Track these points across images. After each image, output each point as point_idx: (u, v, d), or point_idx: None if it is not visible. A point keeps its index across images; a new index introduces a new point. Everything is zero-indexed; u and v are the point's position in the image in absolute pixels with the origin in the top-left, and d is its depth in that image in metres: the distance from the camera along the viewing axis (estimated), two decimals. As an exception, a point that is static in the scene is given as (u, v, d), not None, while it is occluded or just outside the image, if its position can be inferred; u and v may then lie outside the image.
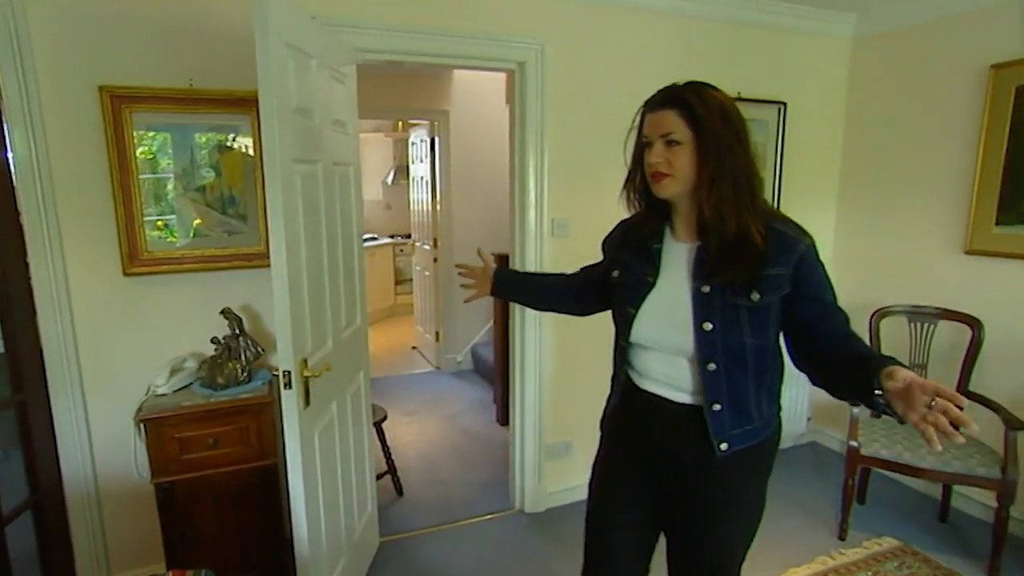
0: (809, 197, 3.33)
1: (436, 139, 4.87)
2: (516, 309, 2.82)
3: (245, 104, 2.15)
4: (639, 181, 1.32)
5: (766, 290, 1.20)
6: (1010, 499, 2.31)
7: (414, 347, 5.82)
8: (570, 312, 1.73)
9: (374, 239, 6.87)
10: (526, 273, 1.76)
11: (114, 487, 2.19)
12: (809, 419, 3.51)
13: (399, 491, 3.10)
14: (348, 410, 2.23)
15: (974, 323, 2.67)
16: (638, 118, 1.30)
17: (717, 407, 1.26)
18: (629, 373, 1.41)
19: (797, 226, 1.25)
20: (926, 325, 2.83)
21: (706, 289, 1.24)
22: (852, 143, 3.32)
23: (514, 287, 1.78)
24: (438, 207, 4.94)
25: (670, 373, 1.31)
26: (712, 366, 1.24)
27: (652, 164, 1.24)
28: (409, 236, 6.19)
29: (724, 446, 1.27)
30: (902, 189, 3.07)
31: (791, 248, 1.21)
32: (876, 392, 1.01)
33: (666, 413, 1.33)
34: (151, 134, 2.11)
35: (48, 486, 2.08)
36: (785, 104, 3.12)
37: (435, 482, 3.25)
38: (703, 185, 1.21)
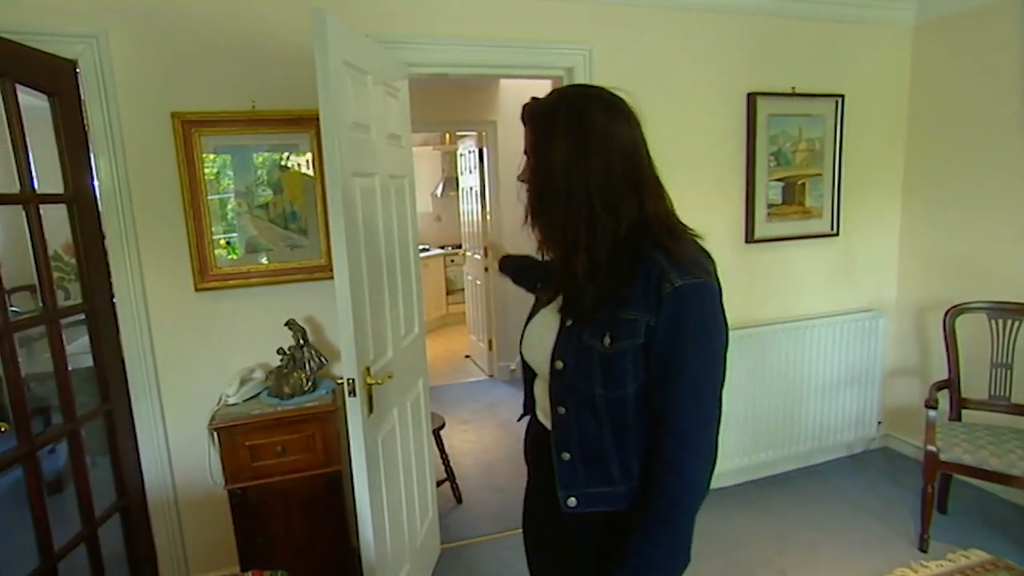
0: (872, 190, 3.20)
1: (484, 149, 4.92)
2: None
3: (304, 123, 2.24)
4: None
5: (619, 335, 0.98)
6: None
7: (467, 356, 5.87)
8: None
9: (425, 250, 6.99)
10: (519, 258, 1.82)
11: (190, 492, 2.30)
12: (879, 423, 3.34)
13: (458, 498, 3.13)
14: (408, 417, 2.27)
15: (1064, 318, 2.50)
16: None
17: (566, 456, 1.08)
18: (535, 396, 1.24)
19: (689, 260, 0.97)
20: (1010, 322, 2.66)
21: (569, 323, 1.05)
22: (917, 132, 3.17)
23: (512, 264, 1.82)
24: (488, 217, 4.99)
25: (547, 404, 1.13)
26: (562, 410, 1.07)
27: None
28: (459, 246, 6.27)
29: (572, 501, 1.08)
30: (974, 178, 2.90)
31: (654, 287, 0.95)
32: None
33: (544, 448, 1.14)
34: (212, 156, 2.22)
35: (133, 490, 2.20)
36: (843, 96, 3.01)
37: (493, 489, 3.26)
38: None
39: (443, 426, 3.02)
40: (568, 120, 0.99)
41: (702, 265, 0.99)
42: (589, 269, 1.00)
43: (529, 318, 1.20)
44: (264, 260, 2.32)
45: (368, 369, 1.84)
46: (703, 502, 1.00)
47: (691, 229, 1.06)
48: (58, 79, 1.96)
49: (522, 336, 1.19)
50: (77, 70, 2.02)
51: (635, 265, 0.97)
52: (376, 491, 1.90)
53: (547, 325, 1.11)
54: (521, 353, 1.20)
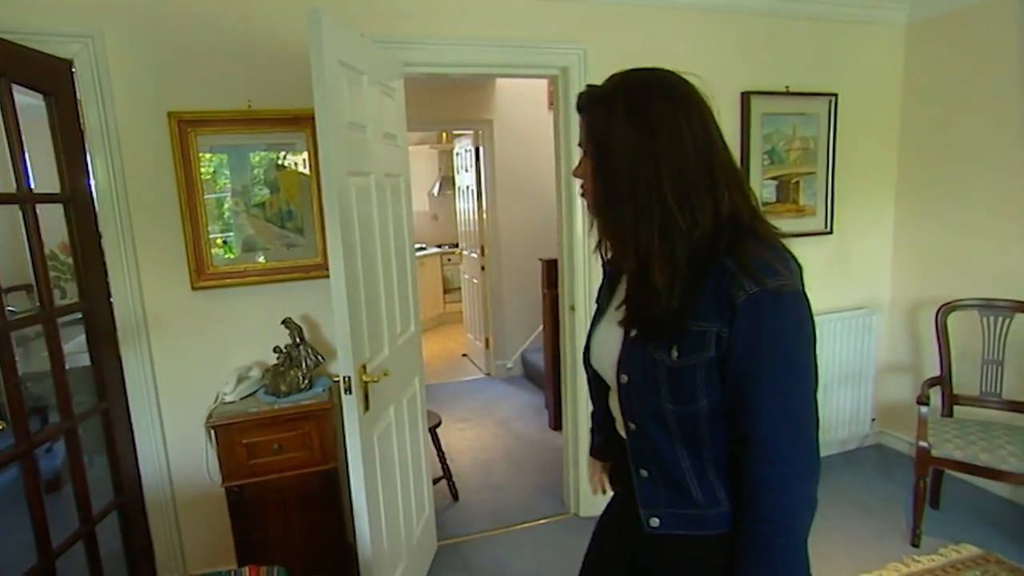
0: (865, 189, 3.22)
1: (480, 148, 4.94)
2: (565, 314, 2.83)
3: (299, 122, 2.25)
4: None
5: (686, 348, 0.91)
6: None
7: (464, 354, 5.88)
8: None
9: (422, 249, 7.00)
10: (594, 432, 1.48)
11: (187, 490, 2.31)
12: (873, 420, 3.37)
13: (455, 496, 3.14)
14: (405, 415, 2.28)
15: (1054, 315, 2.52)
16: None
17: (644, 473, 1.02)
18: (610, 410, 1.16)
19: (762, 264, 0.88)
20: (1001, 320, 2.68)
21: (633, 333, 1.00)
22: (910, 131, 3.19)
23: (604, 443, 1.42)
24: (484, 215, 5.00)
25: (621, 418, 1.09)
26: (632, 425, 1.02)
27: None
28: (456, 245, 6.28)
29: (655, 521, 1.02)
30: (967, 176, 2.92)
31: (725, 295, 0.88)
32: None
33: (625, 464, 1.09)
34: (209, 156, 2.23)
35: (130, 488, 2.21)
36: (836, 95, 3.03)
37: (490, 487, 3.28)
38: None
39: (439, 424, 3.03)
40: (628, 109, 0.91)
41: (777, 269, 0.88)
42: (670, 279, 0.91)
43: (592, 327, 1.14)
44: (261, 259, 2.33)
45: (364, 367, 1.85)
46: (813, 516, 0.91)
47: (776, 229, 0.97)
48: (54, 79, 1.97)
49: (588, 346, 1.13)
50: (73, 70, 2.02)
51: (704, 272, 0.90)
52: (372, 488, 1.91)
53: (610, 335, 1.05)
54: (590, 364, 1.14)
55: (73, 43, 2.01)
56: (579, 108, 0.99)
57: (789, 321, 0.89)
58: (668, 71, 0.97)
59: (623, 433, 1.08)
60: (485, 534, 2.80)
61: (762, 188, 2.97)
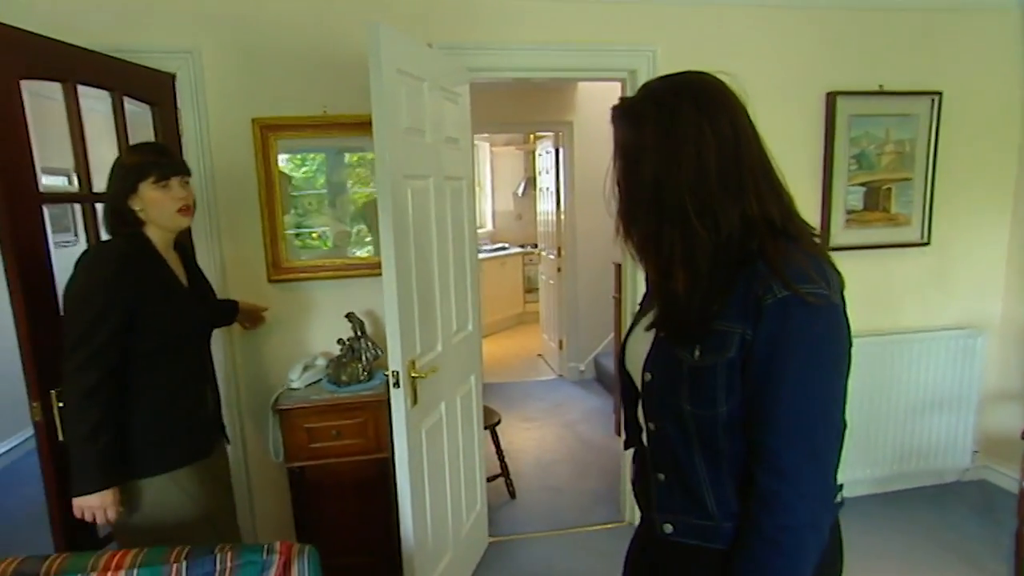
0: (973, 196, 2.91)
1: (560, 150, 4.94)
2: (627, 319, 2.78)
3: (368, 126, 2.28)
4: None
5: (708, 347, 0.90)
6: None
7: (539, 355, 5.92)
8: None
9: (504, 248, 7.11)
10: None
11: (258, 467, 2.51)
12: (975, 452, 3.03)
13: (512, 494, 3.18)
14: (458, 412, 2.34)
15: None
16: None
17: (661, 476, 1.02)
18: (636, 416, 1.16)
19: (796, 269, 0.85)
20: None
21: (662, 335, 1.00)
22: (1034, 133, 2.84)
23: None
24: (562, 217, 5.01)
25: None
26: (651, 426, 1.02)
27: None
28: (537, 245, 6.33)
29: (668, 527, 1.01)
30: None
31: (753, 298, 0.86)
32: None
33: (644, 468, 1.11)
34: (287, 157, 2.41)
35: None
36: (940, 94, 2.75)
37: (548, 488, 3.29)
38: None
39: (498, 422, 3.07)
40: (656, 120, 0.91)
41: (812, 276, 0.85)
42: (690, 285, 0.92)
43: (630, 330, 1.14)
44: (329, 255, 2.49)
45: (413, 363, 1.93)
46: (820, 547, 0.88)
47: (813, 230, 0.95)
48: (159, 91, 2.20)
49: (624, 349, 1.14)
50: (175, 82, 2.26)
51: (734, 275, 0.89)
52: (417, 479, 1.98)
53: (643, 338, 1.06)
54: (624, 368, 1.14)
55: (176, 58, 2.25)
56: (612, 120, 0.99)
57: (817, 332, 0.86)
58: (699, 73, 0.95)
59: (644, 435, 1.08)
60: (538, 534, 2.82)
61: (847, 195, 2.76)
